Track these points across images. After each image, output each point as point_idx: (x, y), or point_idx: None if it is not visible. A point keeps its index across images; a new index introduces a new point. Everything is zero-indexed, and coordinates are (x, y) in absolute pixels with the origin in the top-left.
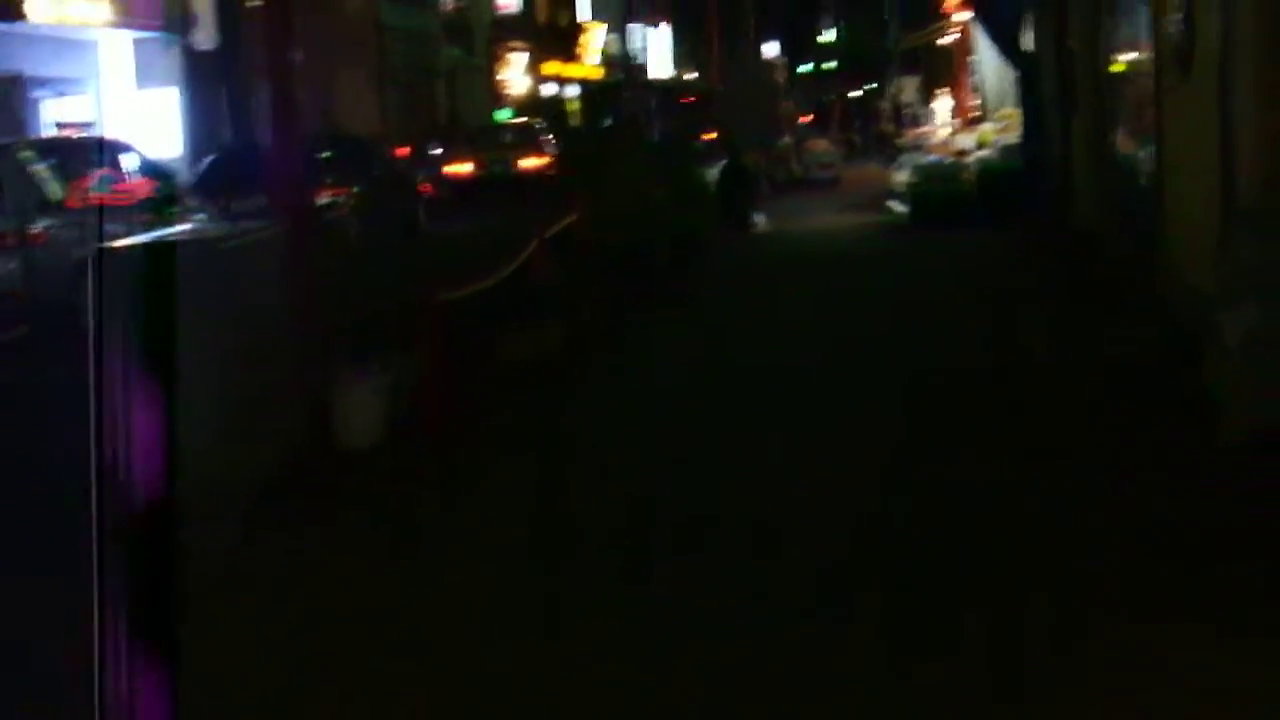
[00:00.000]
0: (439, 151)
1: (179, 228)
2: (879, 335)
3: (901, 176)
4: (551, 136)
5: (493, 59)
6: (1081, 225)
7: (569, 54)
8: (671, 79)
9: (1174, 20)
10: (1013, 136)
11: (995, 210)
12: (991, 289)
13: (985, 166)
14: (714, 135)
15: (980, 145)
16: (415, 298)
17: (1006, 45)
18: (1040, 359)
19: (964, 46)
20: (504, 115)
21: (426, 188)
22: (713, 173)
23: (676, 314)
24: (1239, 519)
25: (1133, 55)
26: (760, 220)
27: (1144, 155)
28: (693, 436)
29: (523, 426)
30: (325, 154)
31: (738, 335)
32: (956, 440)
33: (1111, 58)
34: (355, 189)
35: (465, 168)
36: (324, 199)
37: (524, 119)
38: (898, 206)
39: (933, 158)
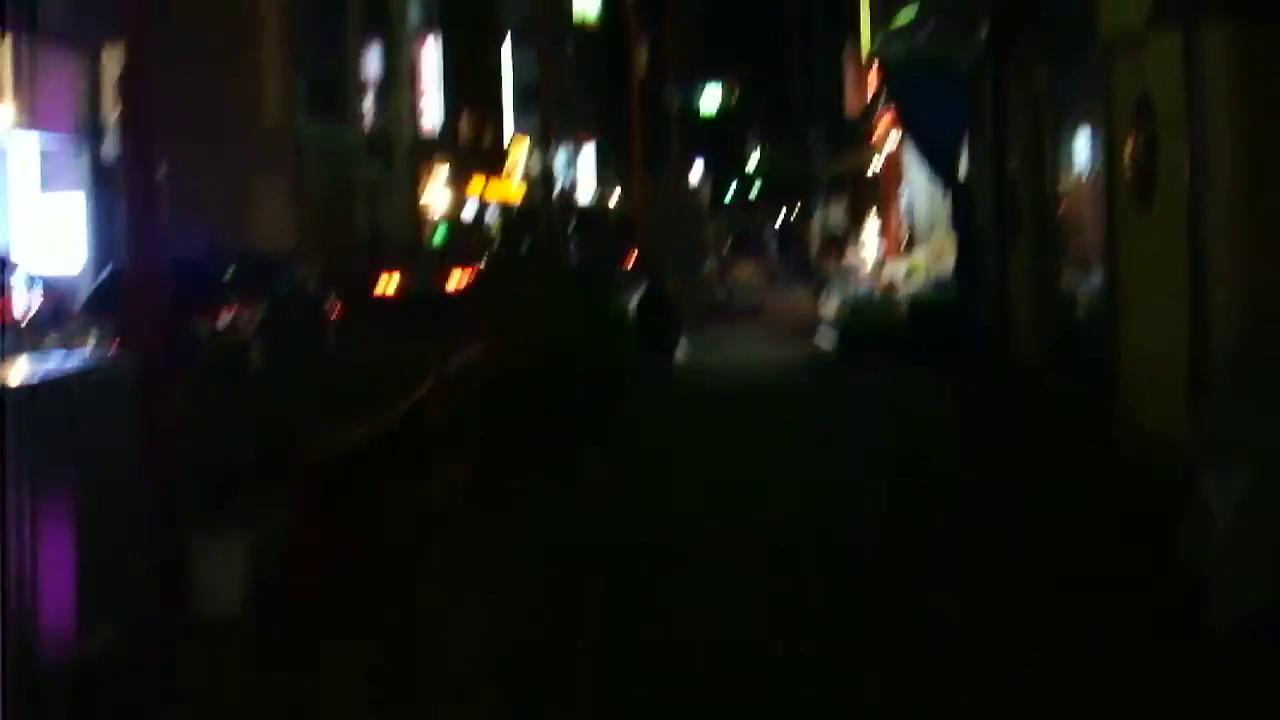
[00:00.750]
0: (358, 269)
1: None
2: (794, 493)
3: (830, 308)
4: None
5: (415, 176)
6: (1022, 363)
7: (492, 172)
8: (595, 200)
9: (1133, 146)
10: (945, 266)
11: (928, 345)
12: (926, 437)
13: (917, 299)
14: (635, 259)
15: (911, 275)
16: (294, 440)
17: (939, 170)
18: (983, 527)
19: (892, 172)
20: (440, 233)
21: (336, 309)
22: (633, 301)
23: (583, 461)
24: None
25: (1082, 181)
26: (682, 352)
27: (1094, 289)
28: (579, 627)
29: (395, 595)
30: (227, 271)
31: (644, 488)
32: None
33: (1057, 183)
34: (259, 309)
35: (389, 285)
36: (224, 319)
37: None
38: (826, 339)
39: (862, 288)
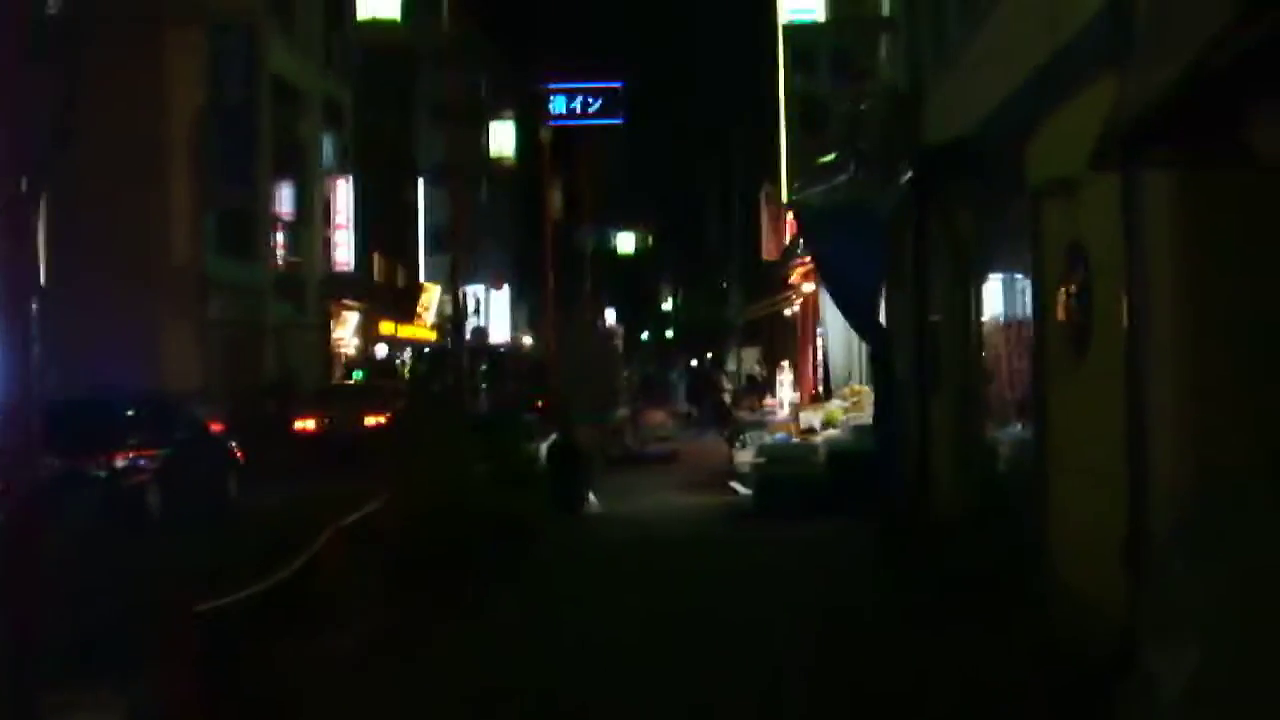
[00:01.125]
0: (265, 411)
1: None
2: (706, 651)
3: (745, 456)
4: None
5: (326, 316)
6: (942, 517)
7: (405, 314)
8: (509, 342)
9: (1065, 294)
10: (864, 415)
11: (846, 496)
12: (845, 601)
13: (835, 448)
14: (547, 403)
15: (828, 424)
16: (169, 602)
17: (857, 317)
18: (898, 692)
19: (808, 318)
20: (358, 375)
21: (239, 452)
22: (543, 448)
23: (483, 622)
24: None
25: (1008, 330)
26: (593, 502)
27: (1021, 442)
28: None
29: None
30: (128, 411)
31: (543, 657)
32: None
33: (981, 332)
34: (161, 451)
35: (309, 424)
36: (121, 462)
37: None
38: (741, 488)
39: (779, 436)
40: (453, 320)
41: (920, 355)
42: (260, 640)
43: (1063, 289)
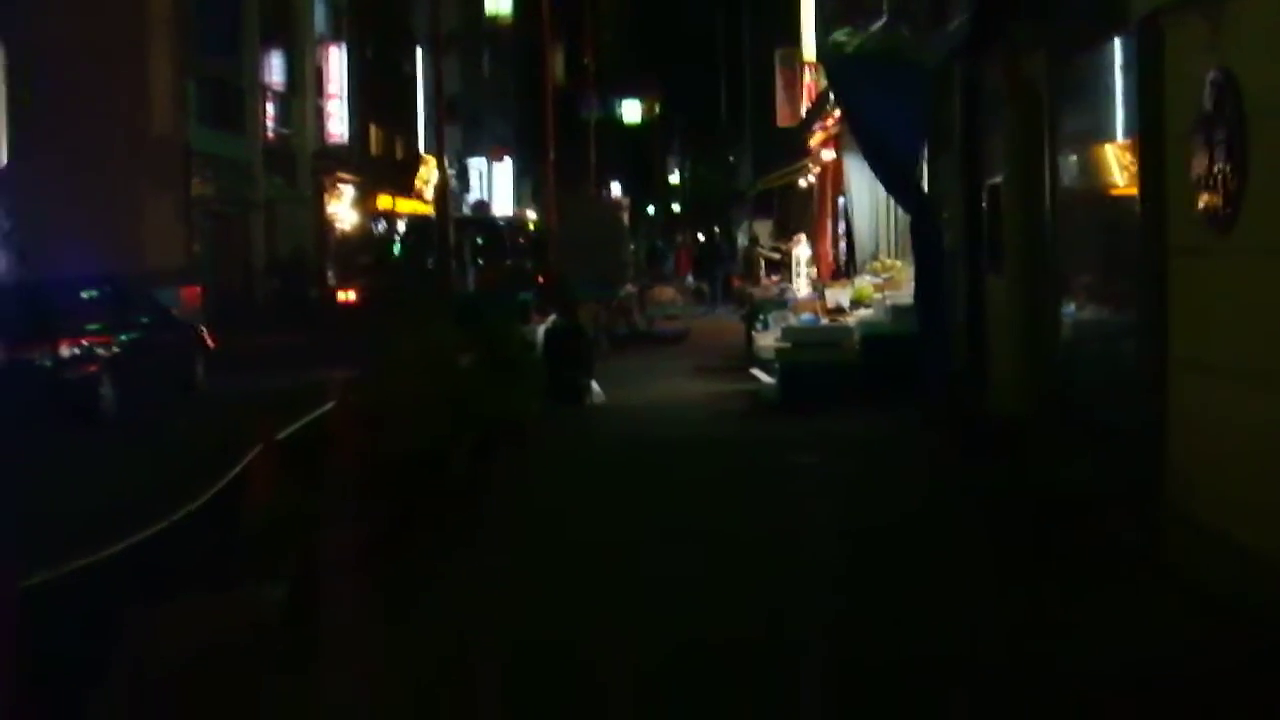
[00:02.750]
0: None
1: None
2: (722, 589)
3: (767, 340)
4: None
5: (319, 190)
6: (1005, 412)
7: (404, 188)
8: (511, 217)
9: (1200, 148)
10: (900, 294)
11: (885, 386)
12: (910, 523)
13: (870, 331)
14: (547, 281)
15: (858, 302)
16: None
17: (896, 182)
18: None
19: (827, 188)
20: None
21: (208, 338)
22: (540, 331)
23: (461, 556)
24: None
25: (1100, 192)
26: (596, 391)
27: (1117, 329)
28: None
29: None
30: (82, 296)
31: (530, 606)
32: None
33: (1059, 196)
34: (118, 338)
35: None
36: (69, 350)
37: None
38: (764, 376)
39: (805, 317)
40: (436, 189)
41: (973, 225)
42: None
43: (1196, 140)
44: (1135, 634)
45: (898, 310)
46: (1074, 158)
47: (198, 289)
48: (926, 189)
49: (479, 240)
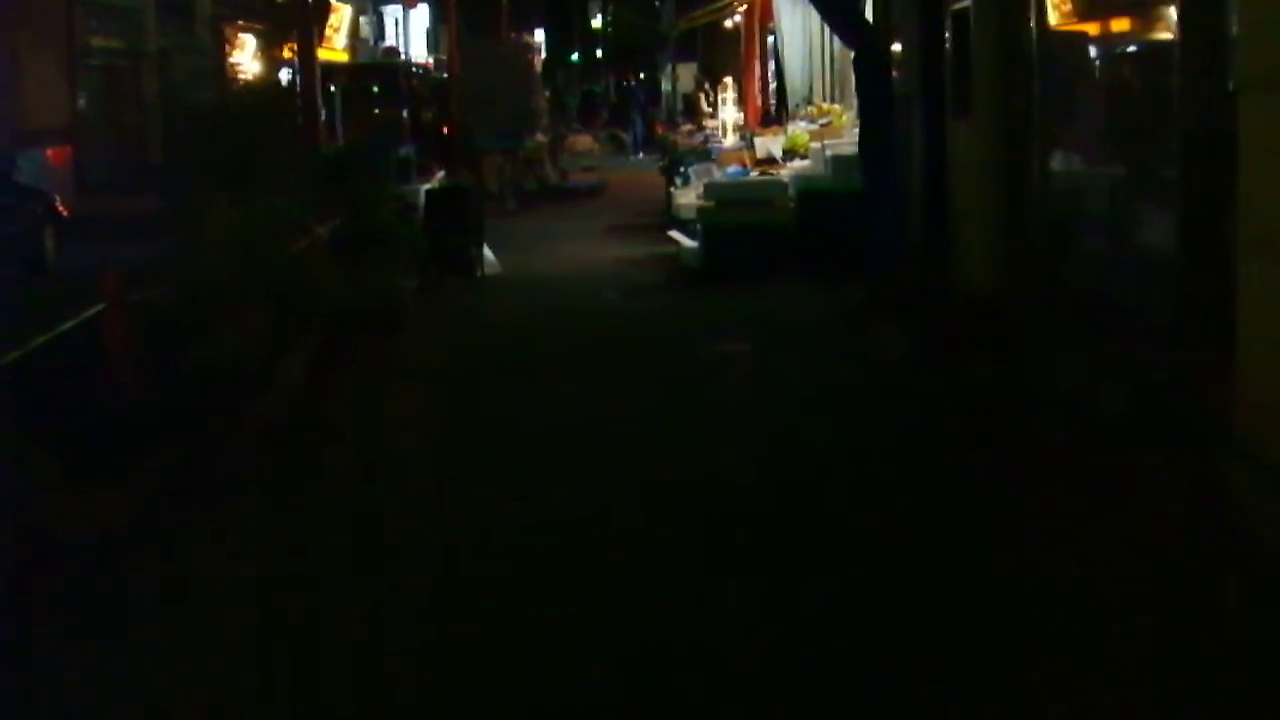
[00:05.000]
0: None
1: None
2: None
3: (687, 196)
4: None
5: (220, 39)
6: (974, 290)
7: (313, 35)
8: (425, 66)
9: None
10: (841, 143)
11: (824, 252)
12: (859, 433)
13: (808, 188)
14: (449, 130)
15: (792, 152)
16: None
17: (838, 17)
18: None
19: (753, 26)
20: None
21: (60, 207)
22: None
23: (291, 491)
24: None
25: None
26: (490, 261)
27: (1135, 196)
28: None
29: None
30: None
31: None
32: None
33: (1049, 34)
34: None
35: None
36: None
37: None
38: (683, 239)
39: (731, 170)
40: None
41: (933, 61)
42: None
43: None
44: None
45: (839, 161)
46: None
47: (66, 150)
48: (871, 18)
49: (374, 90)
